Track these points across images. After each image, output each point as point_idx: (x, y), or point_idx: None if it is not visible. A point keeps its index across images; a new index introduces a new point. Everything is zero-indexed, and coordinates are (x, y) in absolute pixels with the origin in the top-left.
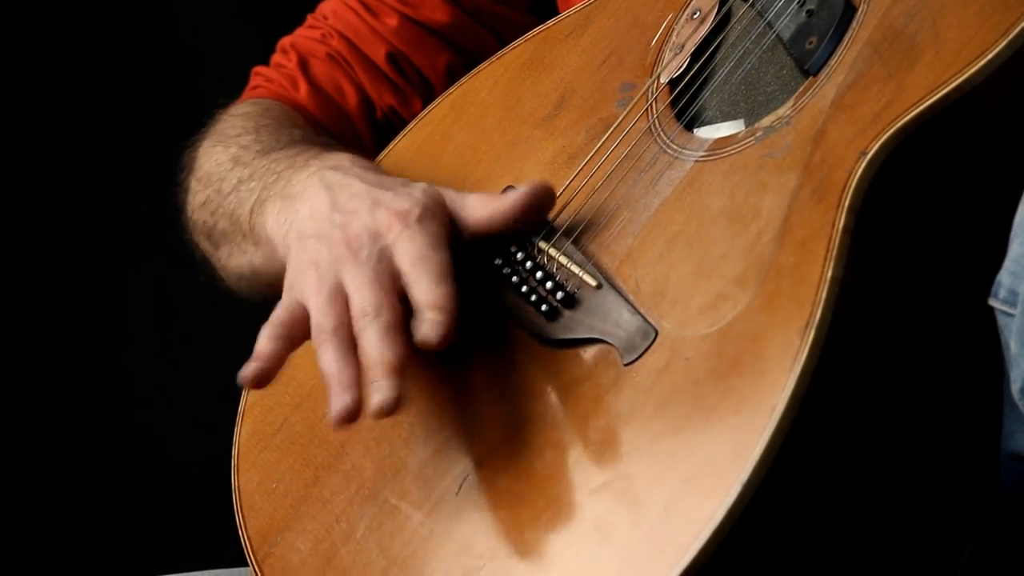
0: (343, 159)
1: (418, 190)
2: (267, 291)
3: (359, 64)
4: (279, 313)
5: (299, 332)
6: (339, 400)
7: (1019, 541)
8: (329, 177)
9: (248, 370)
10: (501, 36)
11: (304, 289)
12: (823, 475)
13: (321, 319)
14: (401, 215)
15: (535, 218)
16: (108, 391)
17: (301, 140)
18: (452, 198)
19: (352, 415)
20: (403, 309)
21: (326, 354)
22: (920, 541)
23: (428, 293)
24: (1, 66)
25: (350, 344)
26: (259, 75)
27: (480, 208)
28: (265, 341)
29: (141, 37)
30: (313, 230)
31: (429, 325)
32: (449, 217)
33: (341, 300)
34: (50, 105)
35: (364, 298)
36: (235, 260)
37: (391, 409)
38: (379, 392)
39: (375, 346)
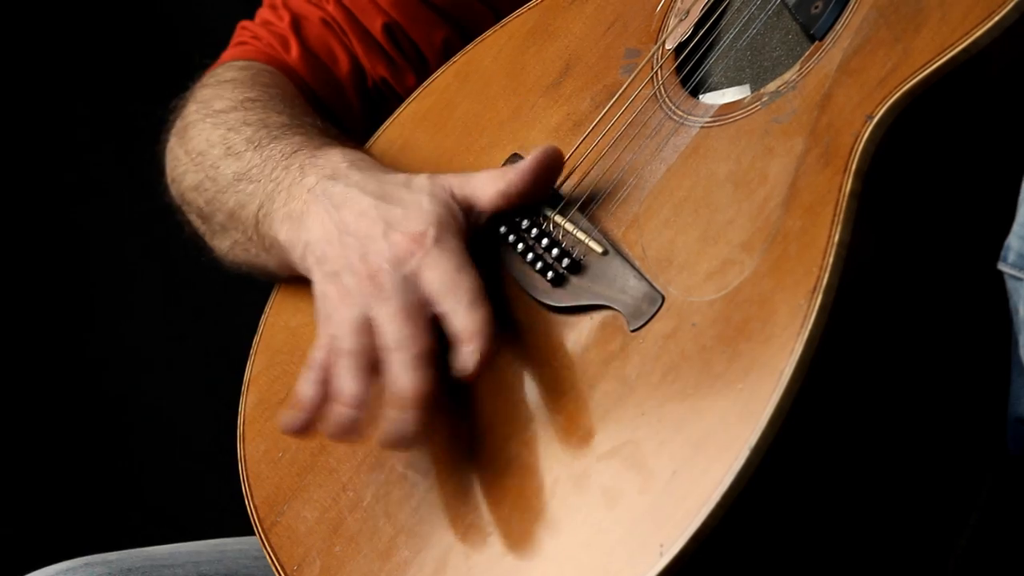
0: (338, 161)
1: (425, 198)
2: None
3: (354, 33)
4: (319, 355)
5: None
6: (344, 414)
7: None
8: (331, 191)
9: (290, 419)
10: (500, 14)
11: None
12: (829, 440)
13: (343, 342)
14: (417, 239)
15: (546, 185)
16: (113, 361)
17: (291, 129)
18: (458, 184)
19: (353, 432)
20: (433, 340)
21: (341, 372)
22: (926, 507)
23: (465, 322)
24: None
25: (368, 368)
26: (246, 30)
27: (489, 186)
28: (307, 385)
29: None
30: (333, 257)
31: (467, 355)
32: (461, 215)
33: (367, 331)
34: (47, 68)
35: (393, 331)
36: (241, 256)
37: (406, 442)
38: (395, 424)
39: (400, 375)
